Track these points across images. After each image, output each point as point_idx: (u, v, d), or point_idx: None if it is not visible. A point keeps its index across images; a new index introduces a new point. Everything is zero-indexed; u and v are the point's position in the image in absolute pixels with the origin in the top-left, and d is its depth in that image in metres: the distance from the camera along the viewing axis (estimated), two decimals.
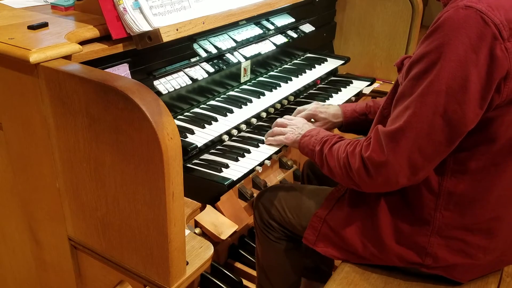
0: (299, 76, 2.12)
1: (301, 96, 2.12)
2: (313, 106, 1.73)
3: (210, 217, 1.87)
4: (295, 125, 1.57)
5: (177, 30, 1.42)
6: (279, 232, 1.60)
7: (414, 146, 1.13)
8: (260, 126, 1.81)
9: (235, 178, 1.47)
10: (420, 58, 1.12)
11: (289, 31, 2.16)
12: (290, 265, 1.67)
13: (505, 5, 1.08)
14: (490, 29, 1.04)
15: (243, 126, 1.73)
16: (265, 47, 1.99)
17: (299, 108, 1.78)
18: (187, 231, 1.22)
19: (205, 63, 1.76)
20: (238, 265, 2.09)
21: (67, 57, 1.17)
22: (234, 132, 1.71)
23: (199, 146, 1.54)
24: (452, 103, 1.09)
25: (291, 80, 2.08)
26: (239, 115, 1.76)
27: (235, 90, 1.96)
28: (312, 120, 1.73)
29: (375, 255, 1.38)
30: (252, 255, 2.06)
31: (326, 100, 2.06)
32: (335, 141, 1.37)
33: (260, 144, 1.66)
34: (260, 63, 2.08)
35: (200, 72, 1.73)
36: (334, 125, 1.72)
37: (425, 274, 1.36)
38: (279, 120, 1.65)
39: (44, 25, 1.29)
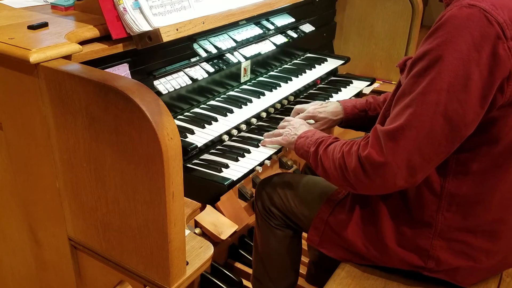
0: (299, 76, 2.12)
1: (301, 96, 2.12)
2: (312, 107, 1.72)
3: (210, 217, 1.87)
4: (292, 126, 1.57)
5: (177, 30, 1.42)
6: (280, 220, 1.60)
7: (413, 147, 1.11)
8: (260, 126, 1.81)
9: (235, 178, 1.47)
10: (422, 55, 1.11)
11: (289, 31, 2.16)
12: (289, 253, 1.66)
13: (508, 5, 1.07)
14: (493, 28, 1.04)
15: (243, 126, 1.73)
16: (265, 47, 1.99)
17: (297, 106, 1.78)
18: (187, 231, 1.22)
19: (205, 63, 1.76)
20: (238, 265, 2.09)
21: (67, 57, 1.17)
22: (234, 132, 1.71)
23: (199, 146, 1.54)
24: (453, 101, 1.07)
25: (291, 80, 2.08)
26: (239, 115, 1.76)
27: (235, 90, 1.96)
28: (312, 121, 1.73)
29: (377, 257, 1.37)
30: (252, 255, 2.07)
31: (326, 100, 2.06)
32: (331, 141, 1.35)
33: (260, 144, 1.66)
34: (260, 63, 2.08)
35: (200, 72, 1.73)
36: (335, 122, 1.71)
37: (426, 277, 1.35)
38: (281, 124, 1.65)
39: (44, 25, 1.29)
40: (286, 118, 1.67)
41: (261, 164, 1.57)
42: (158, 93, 1.58)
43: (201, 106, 1.81)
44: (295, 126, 1.56)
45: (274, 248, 1.65)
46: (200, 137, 1.61)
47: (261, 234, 1.68)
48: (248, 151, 1.62)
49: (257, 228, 1.70)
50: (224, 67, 1.80)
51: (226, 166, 1.53)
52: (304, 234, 1.59)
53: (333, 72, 2.36)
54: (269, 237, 1.65)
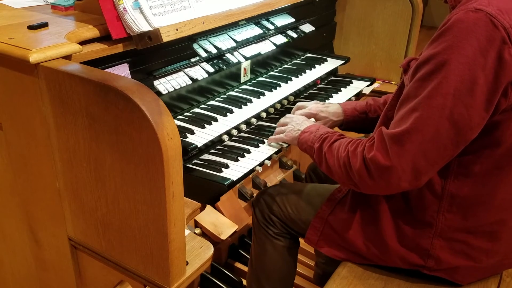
0: (299, 76, 2.12)
1: (301, 96, 2.12)
2: (314, 106, 1.73)
3: (210, 217, 1.87)
4: (295, 122, 1.57)
5: (177, 30, 1.42)
6: (279, 228, 1.60)
7: (419, 150, 1.12)
8: (260, 126, 1.81)
9: (235, 178, 1.47)
10: (427, 59, 1.12)
11: (289, 31, 2.16)
12: (286, 265, 1.66)
13: None
14: (499, 33, 1.04)
15: (243, 126, 1.73)
16: (265, 47, 1.99)
17: (299, 104, 1.77)
18: (187, 231, 1.22)
19: (205, 63, 1.76)
20: (238, 265, 2.09)
21: (67, 57, 1.17)
22: (234, 132, 1.71)
23: (199, 146, 1.54)
24: (459, 106, 1.08)
25: (291, 80, 2.08)
26: (239, 115, 1.76)
27: (235, 90, 1.96)
28: (313, 119, 1.73)
29: (377, 256, 1.38)
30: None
31: (326, 100, 2.06)
32: (335, 138, 1.35)
33: (260, 144, 1.66)
34: (260, 63, 2.08)
35: (200, 72, 1.73)
36: (335, 123, 1.72)
37: (426, 276, 1.36)
38: (281, 120, 1.65)
39: (44, 25, 1.29)
40: (287, 115, 1.67)
41: (261, 164, 1.57)
42: (158, 93, 1.58)
43: (201, 106, 1.81)
44: (297, 122, 1.56)
45: (271, 259, 1.64)
46: (200, 137, 1.61)
47: (258, 245, 1.66)
48: (248, 151, 1.62)
49: (254, 240, 1.68)
50: (224, 67, 1.80)
51: (226, 166, 1.53)
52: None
53: (333, 72, 2.36)
54: (267, 248, 1.64)
